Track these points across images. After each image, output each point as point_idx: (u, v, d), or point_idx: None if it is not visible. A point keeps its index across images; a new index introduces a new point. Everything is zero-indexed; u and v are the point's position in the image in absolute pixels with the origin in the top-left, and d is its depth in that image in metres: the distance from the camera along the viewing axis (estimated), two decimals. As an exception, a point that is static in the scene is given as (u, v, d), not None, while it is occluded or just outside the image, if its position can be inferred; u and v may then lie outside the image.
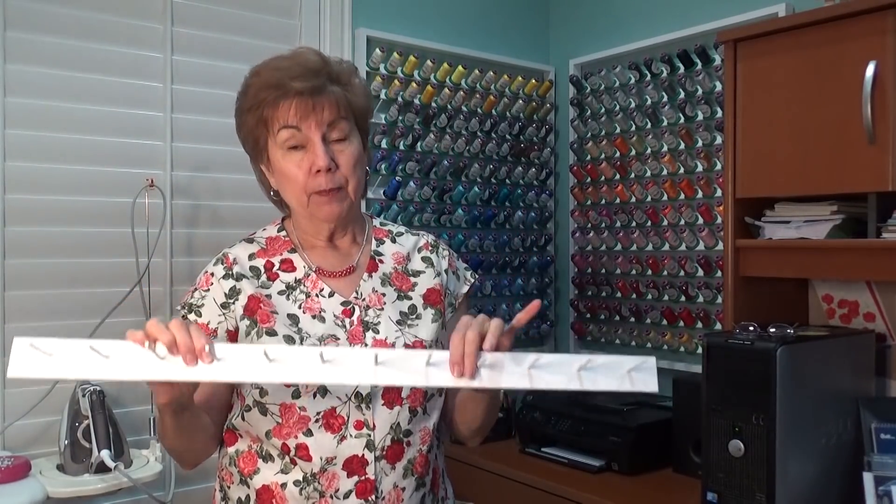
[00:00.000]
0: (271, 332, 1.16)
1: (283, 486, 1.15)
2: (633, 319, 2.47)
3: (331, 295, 1.21)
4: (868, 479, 1.53)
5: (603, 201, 2.58)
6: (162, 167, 1.98)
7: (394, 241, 1.31)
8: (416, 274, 1.28)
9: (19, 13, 1.80)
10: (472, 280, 1.34)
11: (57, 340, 0.93)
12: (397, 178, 2.37)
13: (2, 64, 1.77)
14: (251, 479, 1.18)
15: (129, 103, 1.95)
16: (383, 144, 2.36)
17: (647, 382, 0.97)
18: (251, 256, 1.24)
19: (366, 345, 1.17)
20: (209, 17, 2.07)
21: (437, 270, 1.29)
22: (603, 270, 2.57)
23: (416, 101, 2.39)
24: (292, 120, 1.15)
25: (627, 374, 0.97)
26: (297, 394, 1.13)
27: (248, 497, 1.19)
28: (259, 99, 1.17)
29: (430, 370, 0.97)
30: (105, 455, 1.64)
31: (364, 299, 1.21)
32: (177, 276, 1.99)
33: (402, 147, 2.40)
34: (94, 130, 1.90)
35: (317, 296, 1.20)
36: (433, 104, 2.43)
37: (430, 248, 1.32)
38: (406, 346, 1.19)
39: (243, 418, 1.18)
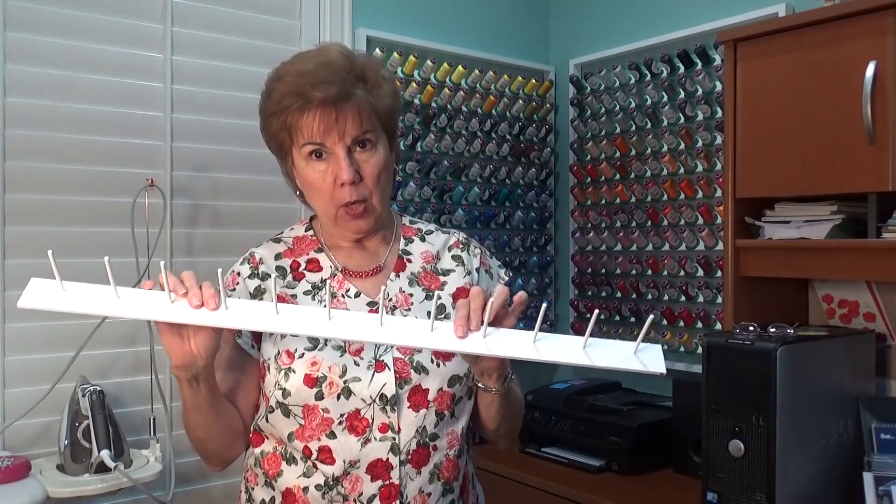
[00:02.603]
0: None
1: (306, 489, 1.14)
2: (633, 319, 2.47)
3: (357, 295, 1.19)
4: (868, 479, 1.53)
5: (603, 201, 2.58)
6: (162, 167, 1.98)
7: (423, 239, 1.29)
8: (446, 273, 1.25)
9: (19, 13, 1.80)
10: (507, 278, 1.32)
11: (74, 283, 0.97)
12: (397, 178, 2.36)
13: (2, 64, 1.77)
14: (276, 480, 1.17)
15: (129, 103, 1.95)
16: (383, 144, 2.36)
17: (655, 363, 0.93)
18: (277, 256, 1.23)
19: (391, 346, 1.15)
20: (209, 17, 2.07)
21: (467, 269, 1.27)
22: (603, 270, 2.57)
23: (416, 101, 2.39)
24: (316, 135, 1.13)
25: (634, 354, 0.94)
26: (320, 395, 1.12)
27: (272, 499, 1.17)
28: (283, 106, 1.14)
29: (435, 333, 0.96)
30: (105, 455, 1.64)
31: (391, 300, 1.20)
32: (177, 276, 1.98)
33: (402, 147, 2.40)
34: (94, 130, 1.90)
35: (343, 296, 1.19)
36: (433, 104, 2.43)
37: (460, 246, 1.29)
38: None
39: (267, 420, 1.17)
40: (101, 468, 1.65)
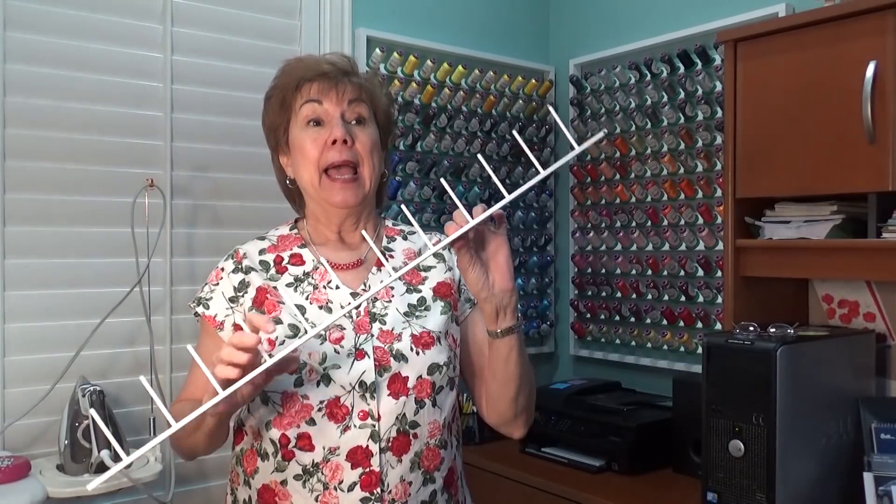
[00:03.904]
0: (277, 321, 1.16)
1: (284, 482, 1.14)
2: (633, 319, 2.47)
3: (338, 287, 1.21)
4: (868, 479, 1.53)
5: (603, 201, 2.58)
6: (162, 167, 1.98)
7: (405, 238, 1.32)
8: (427, 269, 1.28)
9: (19, 13, 1.80)
10: None
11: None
12: (397, 178, 2.37)
13: (2, 64, 1.77)
14: (252, 478, 1.18)
15: (129, 103, 1.95)
16: (383, 144, 2.36)
17: (595, 135, 1.09)
18: (261, 252, 1.27)
19: (372, 335, 1.17)
20: (209, 17, 2.07)
21: (448, 265, 1.29)
22: (603, 270, 2.57)
23: (416, 101, 2.39)
24: (314, 94, 1.21)
25: (579, 145, 1.08)
26: (299, 382, 1.13)
27: (250, 497, 1.18)
28: (284, 82, 1.23)
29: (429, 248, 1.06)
30: (105, 455, 1.64)
31: None
32: (177, 276, 1.98)
33: (402, 147, 2.40)
34: (94, 130, 1.90)
35: (324, 287, 1.21)
36: (433, 104, 2.43)
37: None
38: (413, 336, 1.18)
39: (248, 409, 1.19)
40: (101, 468, 1.65)
